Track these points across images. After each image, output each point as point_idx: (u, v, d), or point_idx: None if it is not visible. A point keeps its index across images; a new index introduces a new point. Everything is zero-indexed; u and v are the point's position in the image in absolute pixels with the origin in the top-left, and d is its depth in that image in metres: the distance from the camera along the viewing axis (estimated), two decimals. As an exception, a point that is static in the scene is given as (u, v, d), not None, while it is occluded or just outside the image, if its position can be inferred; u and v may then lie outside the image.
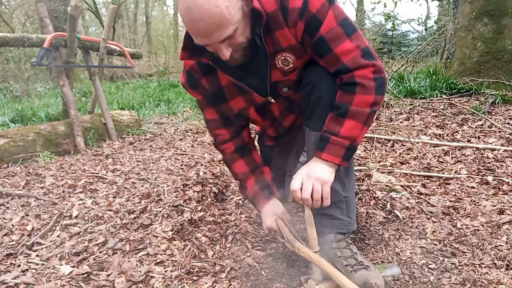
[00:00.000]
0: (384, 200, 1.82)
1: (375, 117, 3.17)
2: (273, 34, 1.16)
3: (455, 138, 2.87)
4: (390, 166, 2.38)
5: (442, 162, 2.41)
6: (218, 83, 1.32)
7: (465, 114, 3.42)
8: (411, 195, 1.90)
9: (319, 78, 1.21)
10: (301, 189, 1.15)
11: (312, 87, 1.22)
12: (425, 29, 12.30)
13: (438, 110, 3.61)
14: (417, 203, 1.82)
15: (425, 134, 3.01)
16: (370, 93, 1.14)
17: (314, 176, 1.15)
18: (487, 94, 3.86)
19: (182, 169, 2.57)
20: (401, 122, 3.39)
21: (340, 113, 1.16)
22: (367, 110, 1.15)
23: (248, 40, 1.13)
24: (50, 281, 1.34)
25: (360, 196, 1.88)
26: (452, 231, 1.55)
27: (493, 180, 2.05)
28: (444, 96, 4.12)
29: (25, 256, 1.53)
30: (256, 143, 1.68)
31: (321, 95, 1.21)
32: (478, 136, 2.83)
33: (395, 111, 3.74)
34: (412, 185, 2.04)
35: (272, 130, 1.58)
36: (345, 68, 1.14)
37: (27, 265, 1.45)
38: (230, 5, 1.02)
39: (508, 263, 1.32)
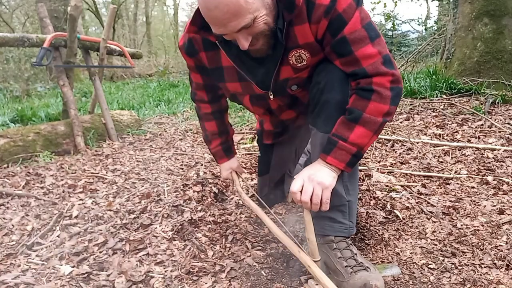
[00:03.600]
0: (384, 200, 1.82)
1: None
2: (291, 29, 1.14)
3: (455, 138, 2.87)
4: (390, 166, 2.38)
5: (442, 162, 2.41)
6: (219, 63, 1.30)
7: (465, 114, 3.42)
8: (411, 195, 1.90)
9: (332, 78, 1.18)
10: (301, 192, 1.14)
11: (324, 87, 1.19)
12: (425, 29, 12.29)
13: (438, 110, 3.61)
14: (417, 203, 1.82)
15: (425, 134, 3.01)
16: (385, 102, 1.11)
17: (315, 179, 1.13)
18: (487, 94, 3.86)
19: (182, 169, 2.57)
20: (401, 122, 3.39)
21: (352, 119, 1.13)
22: (380, 119, 1.12)
23: (270, 28, 1.10)
24: (50, 281, 1.34)
25: (360, 196, 1.87)
26: (452, 231, 1.55)
27: (493, 180, 2.05)
28: (444, 96, 4.13)
29: (25, 256, 1.53)
30: (255, 143, 1.69)
31: (332, 95, 1.18)
32: (478, 136, 2.83)
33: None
34: (412, 185, 2.04)
35: (269, 124, 1.57)
36: (363, 73, 1.12)
37: (27, 265, 1.45)
38: None
39: (508, 263, 1.32)
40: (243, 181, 1.63)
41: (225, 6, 0.99)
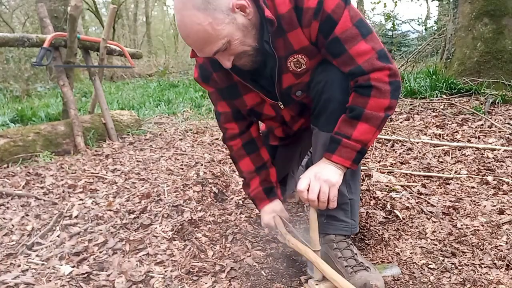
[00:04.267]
0: (384, 200, 1.82)
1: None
2: (285, 36, 1.15)
3: (455, 138, 2.87)
4: (390, 166, 2.38)
5: (442, 162, 2.41)
6: (231, 79, 1.31)
7: (465, 114, 3.42)
8: (411, 195, 1.90)
9: (331, 77, 1.18)
10: (308, 190, 1.15)
11: (324, 86, 1.20)
12: (425, 29, 12.29)
13: (438, 110, 3.61)
14: (417, 203, 1.82)
15: (425, 134, 3.01)
16: (385, 97, 1.12)
17: (322, 177, 1.14)
18: (487, 94, 3.86)
19: (182, 169, 2.57)
20: (401, 122, 3.39)
21: (354, 116, 1.13)
22: (382, 114, 1.13)
23: (253, 47, 1.12)
24: (50, 281, 1.34)
25: (360, 196, 1.87)
26: (452, 231, 1.55)
27: (493, 180, 2.05)
28: (444, 96, 4.13)
29: (25, 256, 1.53)
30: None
31: (332, 94, 1.19)
32: (478, 136, 2.83)
33: (395, 111, 3.75)
34: (412, 185, 2.04)
35: (280, 131, 1.57)
36: (360, 70, 1.12)
37: (27, 265, 1.45)
38: (214, 21, 1.02)
39: (508, 263, 1.32)
40: (287, 227, 1.40)
41: (194, 35, 1.05)
